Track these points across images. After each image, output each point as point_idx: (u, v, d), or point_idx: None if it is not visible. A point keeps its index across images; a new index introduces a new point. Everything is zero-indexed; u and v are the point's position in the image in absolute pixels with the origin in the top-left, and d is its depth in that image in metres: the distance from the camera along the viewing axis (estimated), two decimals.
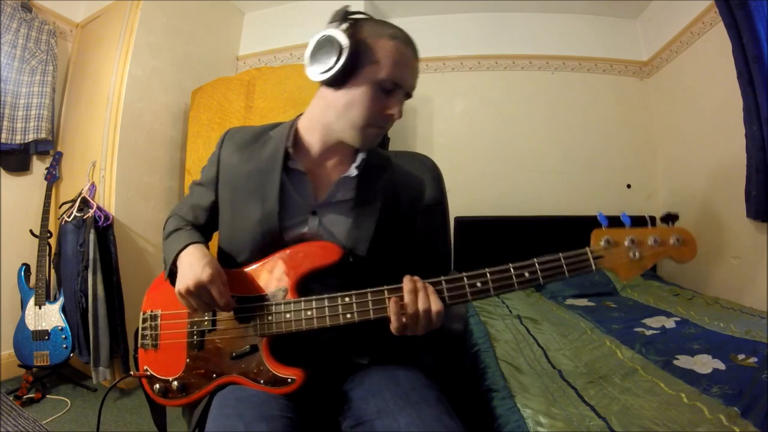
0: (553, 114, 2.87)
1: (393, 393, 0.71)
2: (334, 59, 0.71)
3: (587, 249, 0.66)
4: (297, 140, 0.84)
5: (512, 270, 0.67)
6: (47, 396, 1.87)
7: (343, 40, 0.70)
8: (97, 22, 2.37)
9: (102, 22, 2.34)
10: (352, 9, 0.75)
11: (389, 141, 2.67)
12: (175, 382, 0.78)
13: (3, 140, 2.04)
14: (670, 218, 0.66)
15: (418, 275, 0.70)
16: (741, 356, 1.22)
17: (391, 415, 0.67)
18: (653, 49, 2.75)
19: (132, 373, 0.84)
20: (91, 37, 2.38)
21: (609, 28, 2.89)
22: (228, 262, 0.81)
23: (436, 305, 0.66)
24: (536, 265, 0.66)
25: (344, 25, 0.72)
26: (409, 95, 0.79)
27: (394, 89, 0.74)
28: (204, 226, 0.88)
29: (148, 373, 0.81)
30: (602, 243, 0.66)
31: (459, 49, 2.93)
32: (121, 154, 2.13)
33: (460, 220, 2.64)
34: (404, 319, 0.66)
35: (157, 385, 0.80)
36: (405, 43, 0.76)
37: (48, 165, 2.16)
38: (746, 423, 0.88)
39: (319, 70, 0.73)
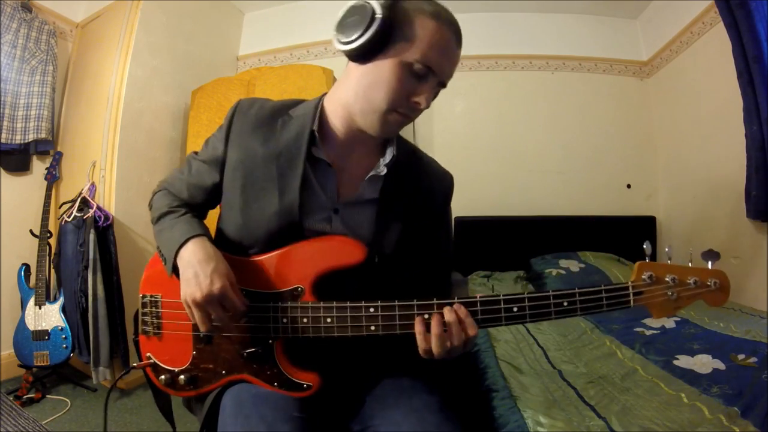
0: (552, 114, 2.87)
1: (396, 399, 0.71)
2: (362, 29, 0.62)
3: (629, 284, 0.63)
4: (322, 123, 0.74)
5: (552, 298, 0.63)
6: (47, 396, 1.86)
7: (378, 8, 0.62)
8: (97, 22, 2.37)
9: (102, 22, 2.34)
10: None
11: None
12: (182, 375, 0.74)
13: (3, 140, 2.04)
14: (711, 256, 0.63)
15: (422, 275, 0.69)
16: (741, 356, 1.22)
17: (394, 421, 0.67)
18: (653, 49, 2.75)
19: (135, 364, 0.78)
20: (91, 37, 2.38)
21: (609, 28, 2.89)
22: (235, 251, 0.75)
23: (472, 330, 0.62)
24: (576, 295, 0.63)
25: None
26: (443, 85, 0.70)
27: (426, 75, 0.66)
28: (200, 206, 0.80)
29: (152, 361, 0.76)
30: (645, 278, 0.63)
31: None
32: (121, 154, 2.12)
33: (460, 220, 2.64)
34: (432, 343, 0.62)
35: (163, 376, 0.75)
36: (448, 25, 0.66)
37: (48, 165, 2.16)
38: (746, 423, 0.88)
39: (343, 39, 0.64)
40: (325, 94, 0.78)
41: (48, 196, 2.05)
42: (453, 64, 0.69)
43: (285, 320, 0.69)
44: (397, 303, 0.65)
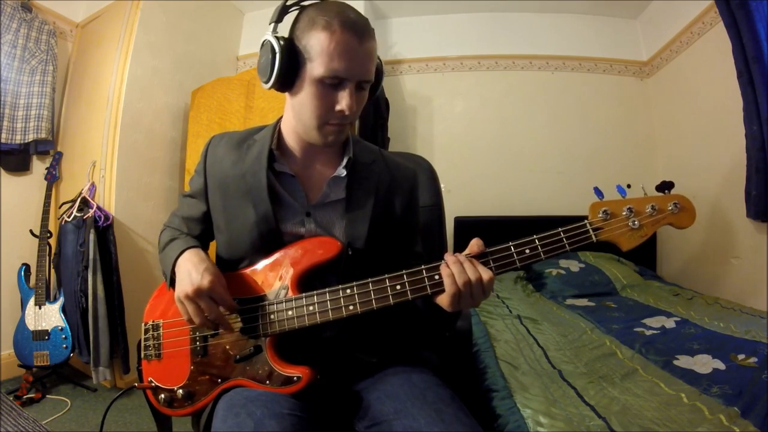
0: (553, 114, 2.88)
1: (409, 394, 0.71)
2: (270, 65, 0.69)
3: (586, 221, 0.66)
4: (281, 142, 0.82)
5: (513, 248, 0.67)
6: (47, 396, 1.87)
7: (274, 42, 0.69)
8: (97, 22, 2.37)
9: (102, 22, 2.34)
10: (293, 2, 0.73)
11: (389, 141, 2.67)
12: (180, 391, 0.77)
13: (3, 140, 2.04)
14: (665, 186, 0.67)
15: (397, 262, 0.71)
16: (741, 356, 1.22)
17: (411, 416, 0.67)
18: (653, 49, 2.75)
19: (136, 385, 0.83)
20: (91, 37, 2.38)
21: (609, 28, 2.89)
22: (229, 268, 0.81)
23: (486, 274, 0.64)
24: (536, 241, 0.66)
25: (278, 26, 0.71)
26: (365, 83, 0.72)
27: (338, 83, 0.69)
28: (198, 238, 0.86)
29: (153, 384, 0.80)
30: (600, 215, 0.66)
31: (459, 49, 2.93)
32: (121, 154, 2.13)
33: (459, 220, 2.64)
34: (458, 287, 0.64)
35: (162, 395, 0.79)
36: (342, 28, 0.67)
37: (48, 165, 2.16)
38: (746, 423, 0.88)
39: (263, 79, 0.72)
40: (282, 117, 0.85)
41: (48, 196, 2.05)
42: (361, 61, 0.70)
43: (272, 316, 0.74)
44: (370, 280, 0.69)
